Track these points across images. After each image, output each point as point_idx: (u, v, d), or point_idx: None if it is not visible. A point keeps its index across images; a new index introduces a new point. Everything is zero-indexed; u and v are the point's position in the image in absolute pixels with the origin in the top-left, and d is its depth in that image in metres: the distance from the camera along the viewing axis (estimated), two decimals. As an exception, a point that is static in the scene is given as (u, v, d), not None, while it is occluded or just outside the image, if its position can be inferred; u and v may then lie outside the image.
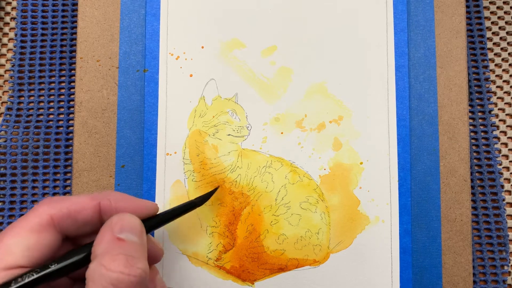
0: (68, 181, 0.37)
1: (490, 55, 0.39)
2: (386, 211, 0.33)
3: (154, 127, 0.34)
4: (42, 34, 0.38)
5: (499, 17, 0.39)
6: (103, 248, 0.23)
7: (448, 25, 0.35)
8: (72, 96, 0.37)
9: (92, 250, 0.23)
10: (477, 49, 0.38)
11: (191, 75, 0.35)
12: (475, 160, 0.37)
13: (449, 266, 0.33)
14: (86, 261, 0.24)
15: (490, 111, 0.38)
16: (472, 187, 0.36)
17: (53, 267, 0.23)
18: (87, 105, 0.34)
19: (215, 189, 0.33)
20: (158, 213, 0.28)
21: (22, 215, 0.36)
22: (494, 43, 0.39)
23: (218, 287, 0.33)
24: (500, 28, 0.39)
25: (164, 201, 0.33)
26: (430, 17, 0.35)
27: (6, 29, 0.39)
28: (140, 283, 0.22)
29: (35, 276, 0.22)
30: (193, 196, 0.33)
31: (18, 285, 0.22)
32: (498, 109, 0.38)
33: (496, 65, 0.39)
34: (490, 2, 0.39)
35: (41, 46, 0.38)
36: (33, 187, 0.36)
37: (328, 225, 0.33)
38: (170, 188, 0.34)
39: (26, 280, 0.22)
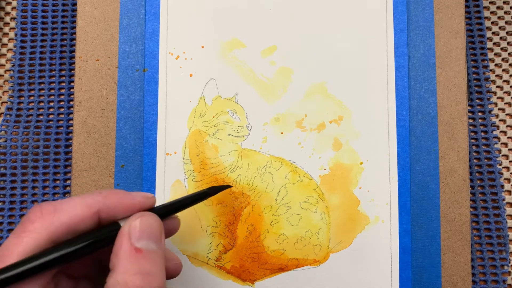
0: (68, 181, 0.37)
1: (490, 55, 0.39)
2: (385, 211, 0.34)
3: (154, 127, 0.34)
4: (42, 34, 0.38)
5: (499, 17, 0.39)
6: (120, 262, 0.22)
7: (447, 25, 0.35)
8: (72, 96, 0.37)
9: (111, 258, 0.23)
10: (477, 49, 0.38)
11: (191, 75, 0.35)
12: (475, 160, 0.37)
13: (448, 265, 0.33)
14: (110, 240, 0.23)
15: (490, 111, 0.38)
16: (472, 187, 0.37)
17: (81, 244, 0.22)
18: (87, 104, 0.34)
19: (228, 186, 0.32)
20: (169, 202, 0.28)
21: (23, 215, 0.36)
22: (494, 43, 0.39)
23: (218, 287, 0.33)
24: (500, 28, 0.39)
25: (164, 201, 0.33)
26: (430, 18, 0.35)
27: (6, 29, 0.39)
28: None
29: (68, 249, 0.22)
30: (193, 196, 0.34)
31: (45, 259, 0.21)
32: (498, 109, 0.38)
33: (496, 65, 0.39)
34: (490, 2, 0.39)
35: (41, 46, 0.38)
36: (33, 187, 0.36)
37: (328, 225, 0.33)
38: (170, 188, 0.34)
39: (57, 253, 0.21)
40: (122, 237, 0.23)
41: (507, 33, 0.39)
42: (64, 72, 0.38)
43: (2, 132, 0.37)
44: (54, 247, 0.22)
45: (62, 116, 0.37)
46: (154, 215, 0.25)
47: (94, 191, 0.25)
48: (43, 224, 0.22)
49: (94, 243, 0.23)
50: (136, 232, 0.23)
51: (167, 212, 0.27)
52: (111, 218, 0.24)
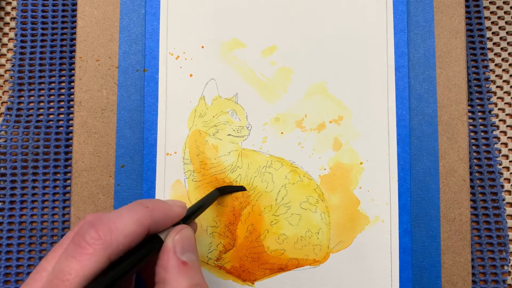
0: (68, 181, 0.37)
1: (490, 55, 0.39)
2: (385, 211, 0.34)
3: (154, 127, 0.34)
4: (42, 34, 0.38)
5: (499, 17, 0.39)
6: (171, 276, 0.23)
7: (447, 25, 0.35)
8: (72, 96, 0.37)
9: (157, 271, 0.24)
10: (477, 49, 0.38)
11: (191, 75, 0.35)
12: (475, 160, 0.37)
13: (448, 265, 0.33)
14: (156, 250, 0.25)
15: (490, 111, 0.38)
16: (472, 187, 0.37)
17: (129, 260, 0.23)
18: (87, 104, 0.34)
19: (242, 188, 0.34)
20: (189, 208, 0.29)
21: (23, 215, 0.36)
22: (494, 43, 0.39)
23: (218, 287, 0.33)
24: (500, 28, 0.39)
25: (164, 201, 0.33)
26: (430, 18, 0.35)
27: (6, 29, 0.39)
28: None
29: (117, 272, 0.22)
30: (193, 196, 0.34)
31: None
32: (498, 109, 0.38)
33: (496, 65, 0.39)
34: (490, 2, 0.39)
35: (41, 46, 0.38)
36: (33, 187, 0.36)
37: (328, 225, 0.33)
38: (170, 188, 0.34)
39: (110, 276, 0.22)
40: (168, 252, 0.24)
41: (507, 33, 0.39)
42: (64, 72, 0.38)
43: (2, 132, 0.37)
44: (111, 266, 0.22)
45: (62, 116, 0.37)
46: (189, 227, 0.26)
47: (139, 203, 0.25)
48: (103, 246, 0.22)
49: (143, 258, 0.24)
50: (179, 246, 0.25)
51: (189, 218, 0.28)
52: (154, 231, 0.25)
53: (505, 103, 0.38)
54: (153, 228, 0.24)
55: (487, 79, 0.38)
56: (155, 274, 0.24)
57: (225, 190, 0.33)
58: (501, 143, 0.38)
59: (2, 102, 0.38)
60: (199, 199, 0.30)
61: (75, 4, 0.38)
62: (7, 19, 0.39)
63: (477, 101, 0.38)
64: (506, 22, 0.39)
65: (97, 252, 0.22)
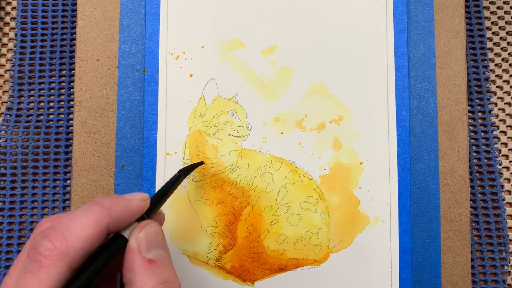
0: (68, 181, 0.37)
1: (490, 55, 0.39)
2: (385, 211, 0.34)
3: (154, 127, 0.34)
4: (42, 34, 0.38)
5: (499, 17, 0.39)
6: (137, 276, 0.22)
7: (447, 25, 0.35)
8: (72, 96, 0.37)
9: (123, 273, 0.23)
10: (477, 49, 0.38)
11: (191, 75, 0.35)
12: (475, 160, 0.37)
13: (448, 265, 0.33)
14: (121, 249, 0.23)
15: (490, 111, 0.38)
16: (472, 187, 0.37)
17: (97, 264, 0.22)
18: (87, 104, 0.34)
19: (200, 163, 0.33)
20: (151, 197, 0.27)
21: (23, 215, 0.36)
22: (494, 43, 0.39)
23: (218, 287, 0.33)
24: (500, 28, 0.39)
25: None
26: (430, 18, 0.35)
27: (6, 29, 0.39)
28: None
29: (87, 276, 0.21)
30: (192, 196, 0.34)
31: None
32: (498, 109, 0.38)
33: (496, 65, 0.39)
34: (490, 2, 0.39)
35: (41, 46, 0.38)
36: (33, 187, 0.36)
37: (328, 225, 0.34)
38: (170, 188, 0.34)
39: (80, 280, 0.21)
40: (132, 252, 0.23)
41: (507, 33, 0.39)
42: (64, 72, 0.38)
43: (2, 132, 0.37)
44: (75, 275, 0.21)
45: (62, 116, 0.37)
46: (154, 222, 0.25)
47: (95, 202, 0.23)
48: (60, 256, 0.20)
49: (109, 260, 0.23)
50: (144, 244, 0.23)
51: (153, 210, 0.27)
52: (115, 230, 0.24)
53: (505, 103, 0.38)
54: (114, 227, 0.23)
55: (487, 79, 0.38)
56: (123, 276, 0.23)
57: (187, 170, 0.31)
58: (501, 143, 0.38)
59: (2, 102, 0.38)
60: (162, 186, 0.29)
61: (75, 4, 0.38)
62: (7, 19, 0.39)
63: (477, 101, 0.38)
64: (506, 22, 0.39)
65: (54, 263, 0.20)
